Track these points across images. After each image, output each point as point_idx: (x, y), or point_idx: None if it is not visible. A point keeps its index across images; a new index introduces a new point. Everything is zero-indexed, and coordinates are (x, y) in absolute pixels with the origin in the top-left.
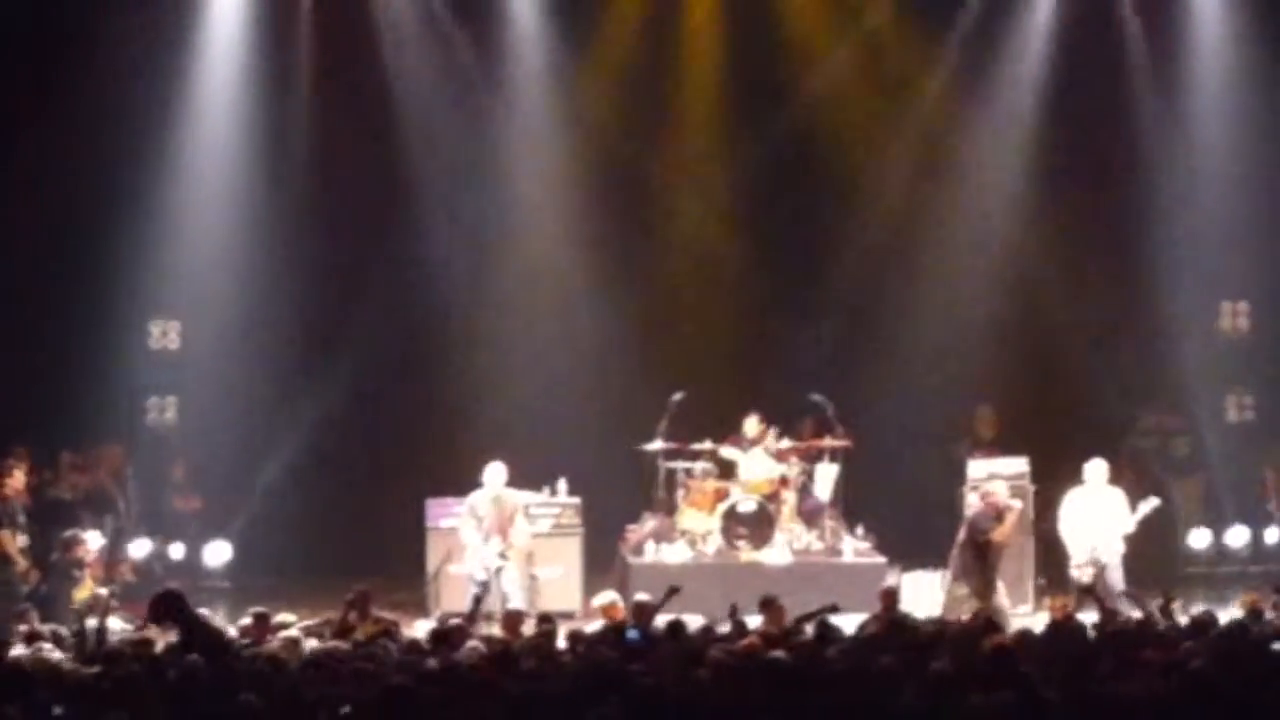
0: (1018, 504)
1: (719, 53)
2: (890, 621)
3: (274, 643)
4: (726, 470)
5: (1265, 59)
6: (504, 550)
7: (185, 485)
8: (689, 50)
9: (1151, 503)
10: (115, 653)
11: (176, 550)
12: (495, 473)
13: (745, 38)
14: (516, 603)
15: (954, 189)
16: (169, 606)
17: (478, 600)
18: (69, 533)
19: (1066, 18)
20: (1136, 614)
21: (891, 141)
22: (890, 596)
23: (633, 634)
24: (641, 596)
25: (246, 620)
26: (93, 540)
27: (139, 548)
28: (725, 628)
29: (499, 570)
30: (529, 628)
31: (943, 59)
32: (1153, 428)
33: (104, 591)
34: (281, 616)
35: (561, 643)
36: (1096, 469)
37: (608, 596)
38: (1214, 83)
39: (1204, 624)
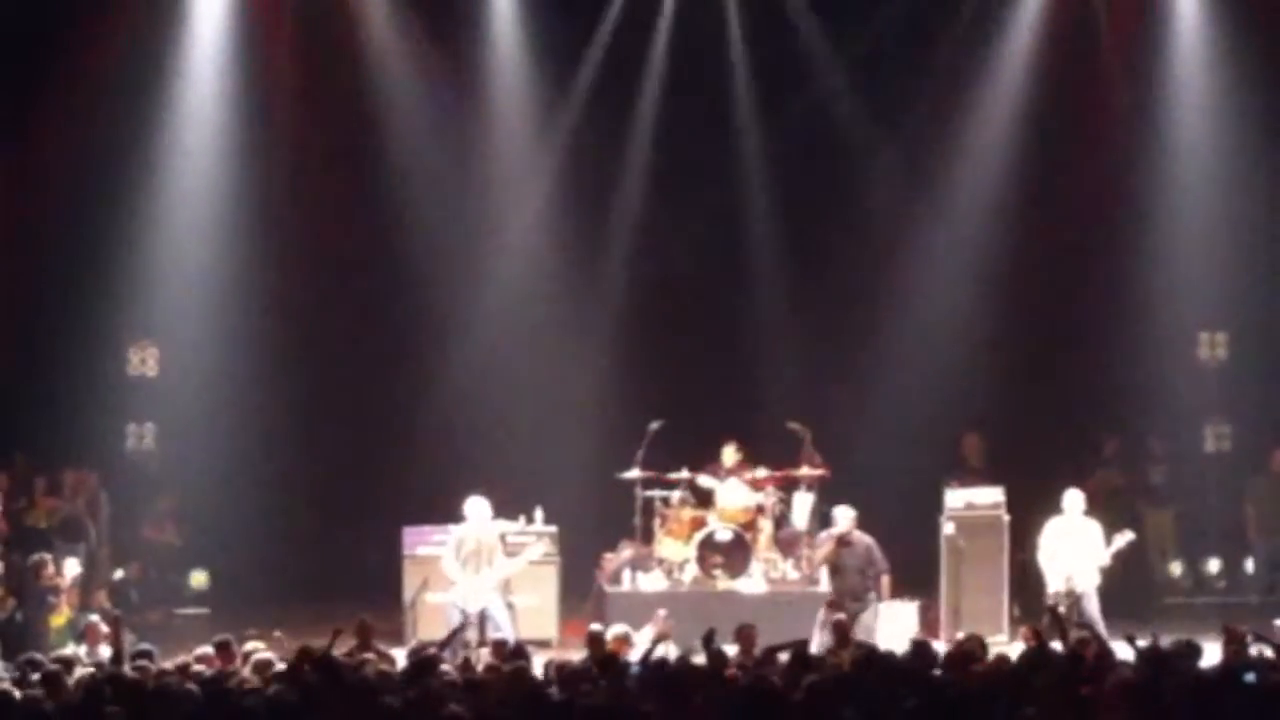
0: (831, 536)
1: (698, 73)
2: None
3: (245, 667)
4: (704, 499)
5: (1246, 89)
6: (496, 581)
7: (161, 514)
8: (667, 71)
9: (1126, 537)
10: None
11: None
12: (478, 507)
13: (725, 61)
14: (507, 632)
15: (933, 218)
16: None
17: (456, 630)
18: (35, 557)
19: (1048, 45)
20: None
21: (875, 169)
22: (841, 627)
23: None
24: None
25: (207, 649)
26: (69, 567)
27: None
28: (700, 658)
29: (483, 602)
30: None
31: (928, 90)
32: (1128, 456)
33: (94, 617)
34: (249, 645)
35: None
36: (1074, 499)
37: (620, 629)
38: (1195, 113)
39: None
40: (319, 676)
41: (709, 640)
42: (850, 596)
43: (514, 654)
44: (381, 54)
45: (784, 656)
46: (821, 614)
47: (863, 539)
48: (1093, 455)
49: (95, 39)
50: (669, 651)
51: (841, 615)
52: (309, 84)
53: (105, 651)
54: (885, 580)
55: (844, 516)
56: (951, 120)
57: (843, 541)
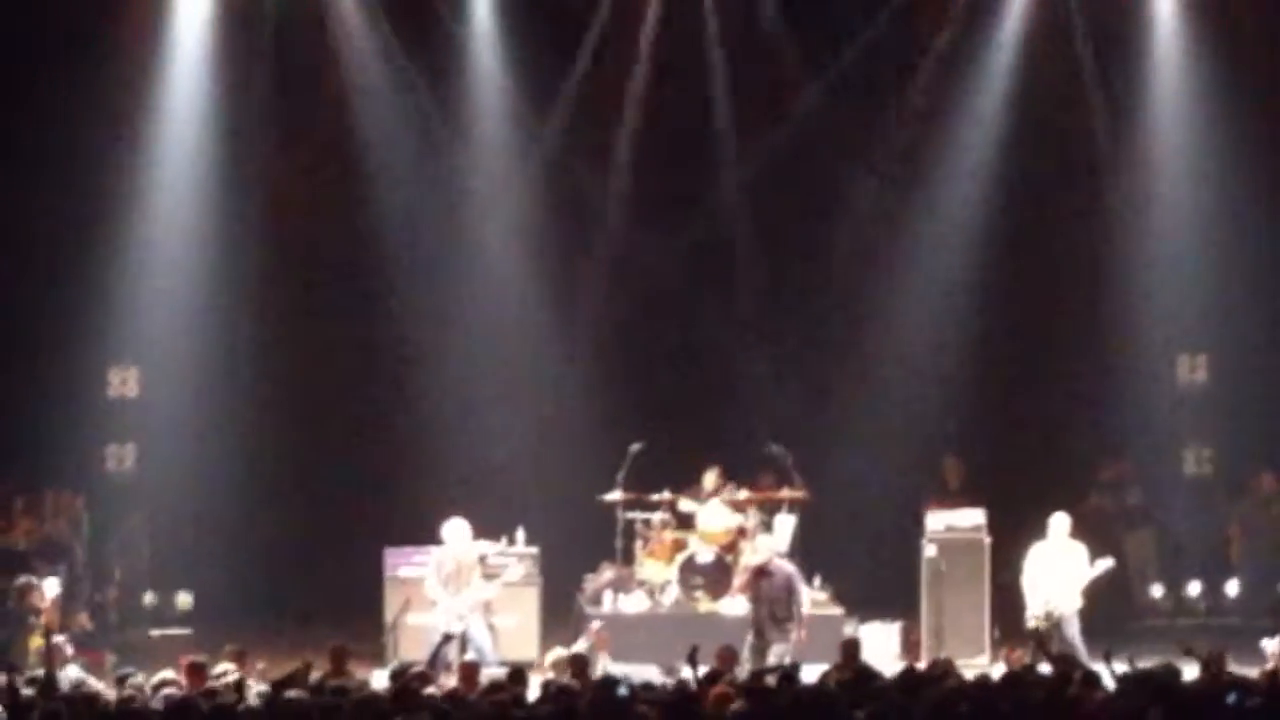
0: (748, 566)
1: (678, 89)
2: (854, 672)
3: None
4: (685, 521)
5: (1225, 111)
6: (473, 605)
7: (133, 532)
8: (647, 87)
9: (1105, 563)
10: (66, 700)
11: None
12: (457, 529)
13: (705, 84)
14: (488, 653)
15: (914, 239)
16: None
17: (438, 651)
18: (23, 579)
19: (1025, 69)
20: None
21: (854, 195)
22: (852, 647)
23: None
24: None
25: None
26: (49, 588)
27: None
28: (686, 673)
29: (464, 624)
30: (486, 679)
31: (906, 110)
32: (1110, 479)
33: (60, 638)
34: (221, 667)
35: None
36: (1060, 523)
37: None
38: (1174, 134)
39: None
40: None
41: (694, 660)
42: (768, 627)
43: (513, 679)
44: (361, 76)
45: (771, 680)
46: (750, 638)
47: (783, 569)
48: (1083, 478)
49: (75, 61)
50: (606, 664)
51: (852, 635)
52: (289, 106)
53: (74, 671)
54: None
55: (764, 545)
56: (929, 146)
57: (762, 572)
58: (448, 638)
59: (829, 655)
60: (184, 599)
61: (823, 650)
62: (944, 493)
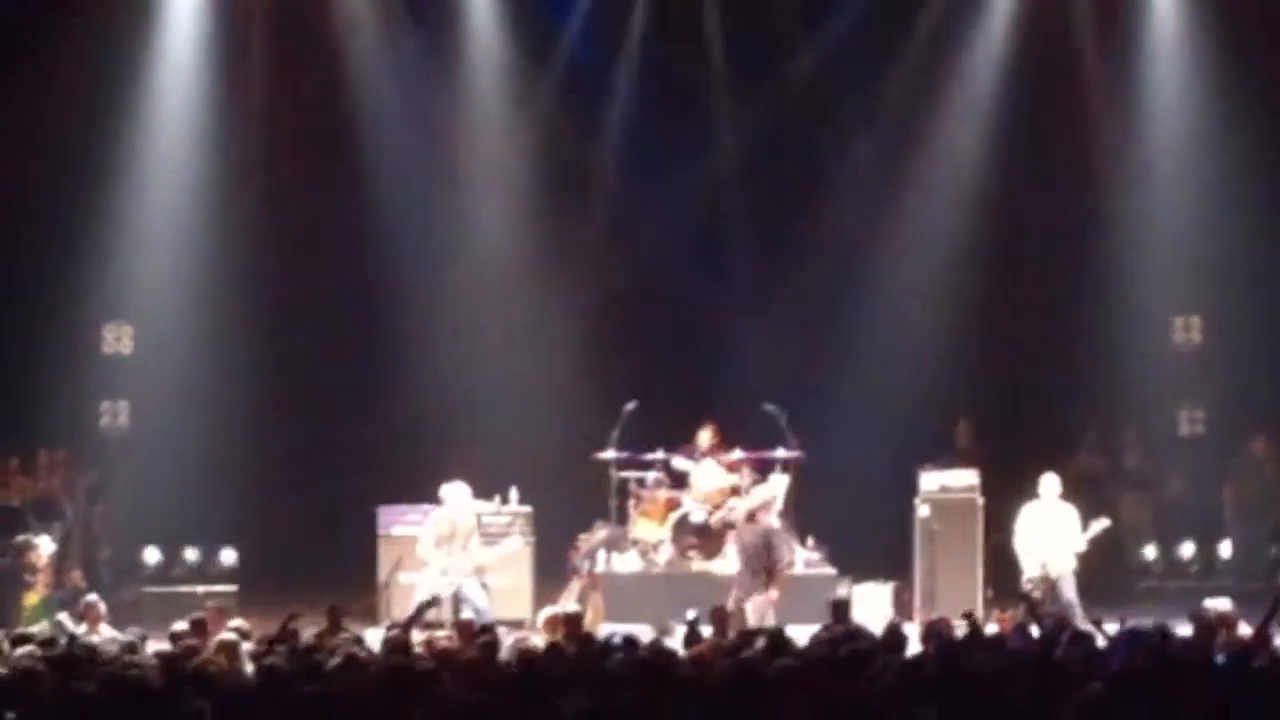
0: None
1: (674, 56)
2: (844, 632)
3: (210, 647)
4: (678, 480)
5: (1220, 73)
6: (471, 566)
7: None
8: (641, 54)
9: (1101, 523)
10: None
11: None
12: (458, 490)
13: (702, 41)
14: (484, 612)
15: (908, 201)
16: None
17: (421, 609)
18: (21, 538)
19: (1022, 34)
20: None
21: (852, 154)
22: (841, 607)
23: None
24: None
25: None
26: (44, 546)
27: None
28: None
29: (456, 584)
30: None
31: (902, 72)
32: (1104, 441)
33: (93, 597)
34: (237, 622)
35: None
36: (1050, 483)
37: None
38: (1169, 98)
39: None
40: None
41: (693, 625)
42: (747, 579)
43: (483, 634)
44: (356, 35)
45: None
46: (734, 591)
47: (764, 522)
48: (1076, 439)
49: (69, 22)
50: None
51: (841, 594)
52: (283, 65)
53: (108, 631)
54: (777, 571)
55: (757, 494)
56: (929, 104)
57: (750, 518)
58: (430, 601)
59: (821, 616)
60: (228, 555)
61: (815, 612)
62: (952, 453)
